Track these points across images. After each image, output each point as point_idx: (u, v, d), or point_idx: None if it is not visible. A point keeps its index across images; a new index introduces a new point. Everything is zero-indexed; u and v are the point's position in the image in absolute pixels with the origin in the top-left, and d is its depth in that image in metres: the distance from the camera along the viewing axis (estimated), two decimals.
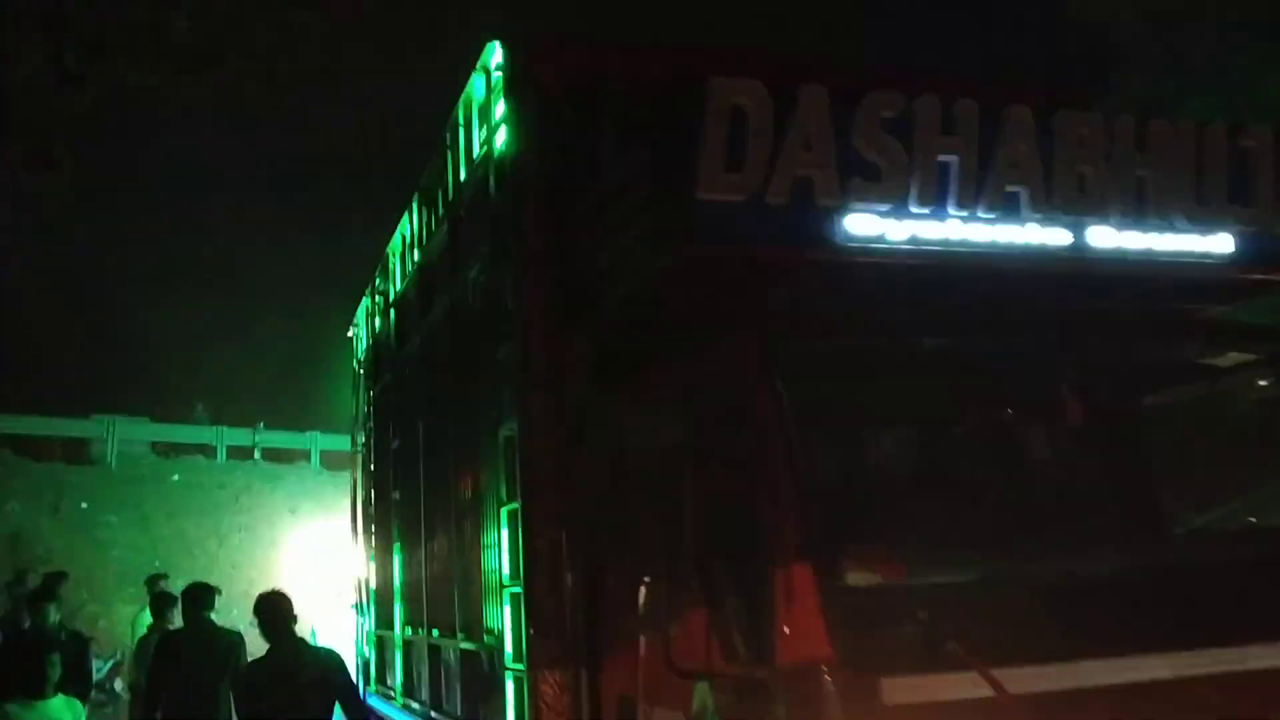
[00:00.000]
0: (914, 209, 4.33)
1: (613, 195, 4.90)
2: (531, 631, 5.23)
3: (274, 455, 25.72)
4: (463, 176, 6.61)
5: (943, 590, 3.52)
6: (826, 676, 3.38)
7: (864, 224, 4.25)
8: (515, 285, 5.53)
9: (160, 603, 10.81)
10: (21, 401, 21.36)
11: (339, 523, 23.71)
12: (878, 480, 3.96)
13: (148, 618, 11.38)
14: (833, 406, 3.99)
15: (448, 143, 6.82)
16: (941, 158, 4.38)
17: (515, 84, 5.63)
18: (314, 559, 22.29)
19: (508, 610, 5.56)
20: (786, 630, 3.48)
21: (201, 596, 9.18)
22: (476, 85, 6.14)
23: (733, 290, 4.20)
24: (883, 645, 3.46)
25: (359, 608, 10.58)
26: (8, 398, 20.83)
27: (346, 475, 26.25)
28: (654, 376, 4.70)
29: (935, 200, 4.35)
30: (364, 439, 10.57)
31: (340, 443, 27.47)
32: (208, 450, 25.10)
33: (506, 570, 5.59)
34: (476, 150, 6.31)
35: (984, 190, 4.40)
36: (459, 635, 6.48)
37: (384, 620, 9.30)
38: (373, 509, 9.86)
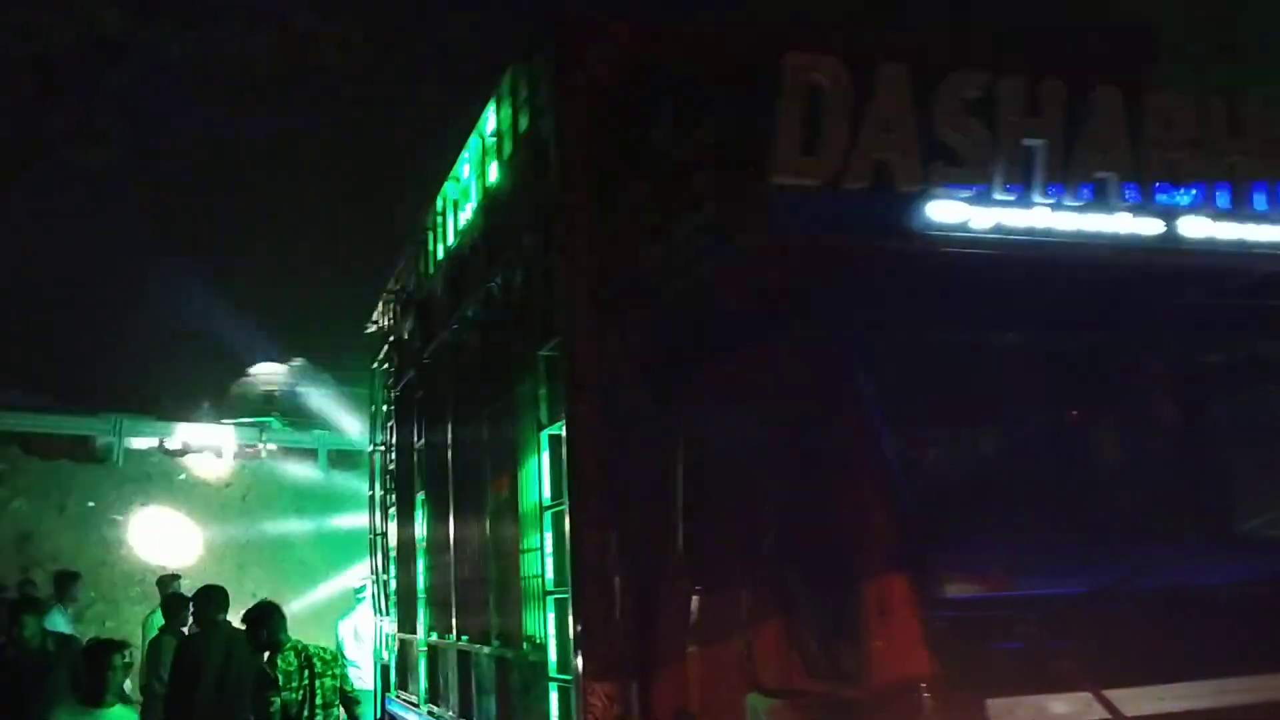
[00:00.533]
0: (998, 195, 4.08)
1: (670, 184, 4.64)
2: (579, 640, 4.96)
3: (281, 454, 25.55)
4: (501, 165, 6.35)
5: (1049, 603, 3.26)
6: (926, 696, 3.13)
7: (947, 210, 4.01)
8: (561, 279, 5.26)
9: (174, 605, 10.60)
10: (29, 399, 21.18)
11: (347, 523, 23.62)
12: (973, 484, 3.70)
13: (159, 619, 11.18)
14: (920, 404, 3.73)
15: (485, 131, 6.57)
16: (1027, 141, 4.13)
17: (561, 66, 5.37)
18: (322, 560, 22.16)
19: (551, 617, 5.31)
20: (881, 646, 3.23)
21: (214, 599, 9.02)
22: (518, 69, 5.89)
23: (810, 280, 3.94)
24: (985, 663, 3.20)
25: (378, 610, 10.32)
26: (15, 396, 20.63)
27: (353, 475, 26.14)
28: (715, 373, 4.45)
29: (1021, 186, 4.10)
30: (383, 439, 10.31)
31: (347, 442, 27.39)
32: (215, 449, 24.89)
33: (550, 575, 5.33)
34: (518, 137, 6.05)
35: (1071, 176, 4.15)
36: (493, 642, 6.22)
37: (406, 624, 9.04)
38: (393, 510, 9.59)
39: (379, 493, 10.51)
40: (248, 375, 30.82)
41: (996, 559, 3.33)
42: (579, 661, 4.97)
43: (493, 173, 6.52)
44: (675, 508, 4.76)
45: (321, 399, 27.69)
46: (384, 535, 10.30)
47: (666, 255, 4.72)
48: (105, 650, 5.92)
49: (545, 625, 5.39)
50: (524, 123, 5.91)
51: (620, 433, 5.07)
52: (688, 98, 4.55)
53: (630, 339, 5.09)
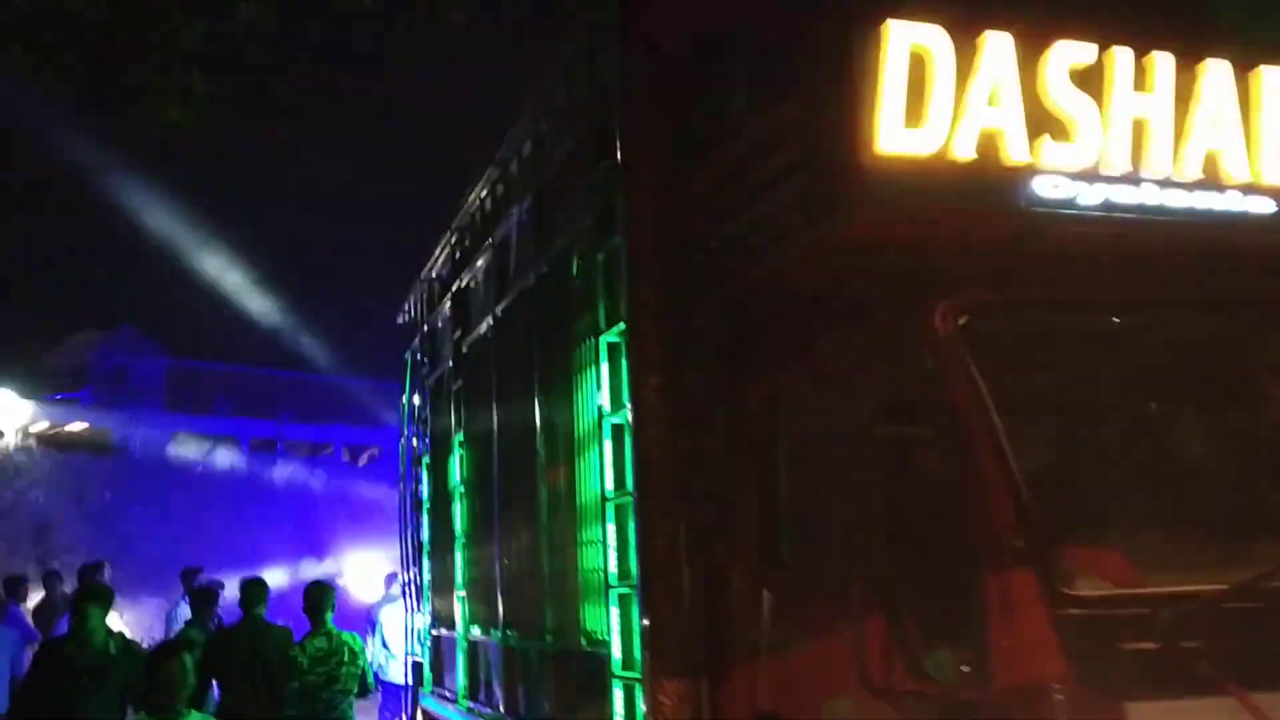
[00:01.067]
0: (1105, 171, 3.88)
1: (749, 159, 4.44)
2: (648, 637, 4.76)
3: (297, 448, 25.45)
4: (555, 142, 6.15)
5: (1183, 601, 3.05)
6: (1059, 698, 2.92)
7: (1054, 186, 3.82)
8: (627, 262, 5.05)
9: (202, 599, 10.44)
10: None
11: (367, 517, 23.49)
12: (1092, 474, 3.49)
13: (184, 612, 11.03)
14: (1034, 389, 3.53)
15: (537, 107, 6.37)
16: (1135, 115, 3.93)
17: (625, 35, 5.16)
18: (344, 553, 22.05)
19: (615, 612, 5.11)
20: (1007, 645, 3.02)
21: (257, 592, 8.96)
22: (576, 40, 5.69)
23: (914, 257, 3.74)
24: (1118, 663, 2.99)
25: (411, 605, 10.14)
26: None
27: (370, 468, 25.98)
28: (803, 357, 4.24)
29: (1130, 162, 3.90)
30: (417, 430, 10.13)
31: (364, 436, 27.21)
32: (231, 442, 24.77)
33: (614, 569, 5.13)
34: (574, 112, 5.86)
35: (1181, 153, 3.95)
36: (546, 638, 6.02)
37: (443, 619, 8.86)
38: (429, 502, 9.40)
39: (411, 485, 10.33)
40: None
41: (1123, 553, 3.12)
42: (648, 659, 4.77)
43: (546, 148, 6.32)
44: (752, 500, 4.56)
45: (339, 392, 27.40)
46: (417, 528, 10.12)
47: (743, 234, 4.52)
48: (174, 651, 5.52)
49: (608, 621, 5.19)
50: (582, 96, 5.71)
51: (689, 421, 4.87)
52: (770, 67, 4.34)
53: (700, 322, 4.89)
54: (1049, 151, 3.81)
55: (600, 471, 5.28)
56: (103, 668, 6.50)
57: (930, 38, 3.74)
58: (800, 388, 4.03)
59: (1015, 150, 3.79)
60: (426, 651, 9.42)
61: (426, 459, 9.61)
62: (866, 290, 3.89)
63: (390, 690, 11.59)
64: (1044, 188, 3.79)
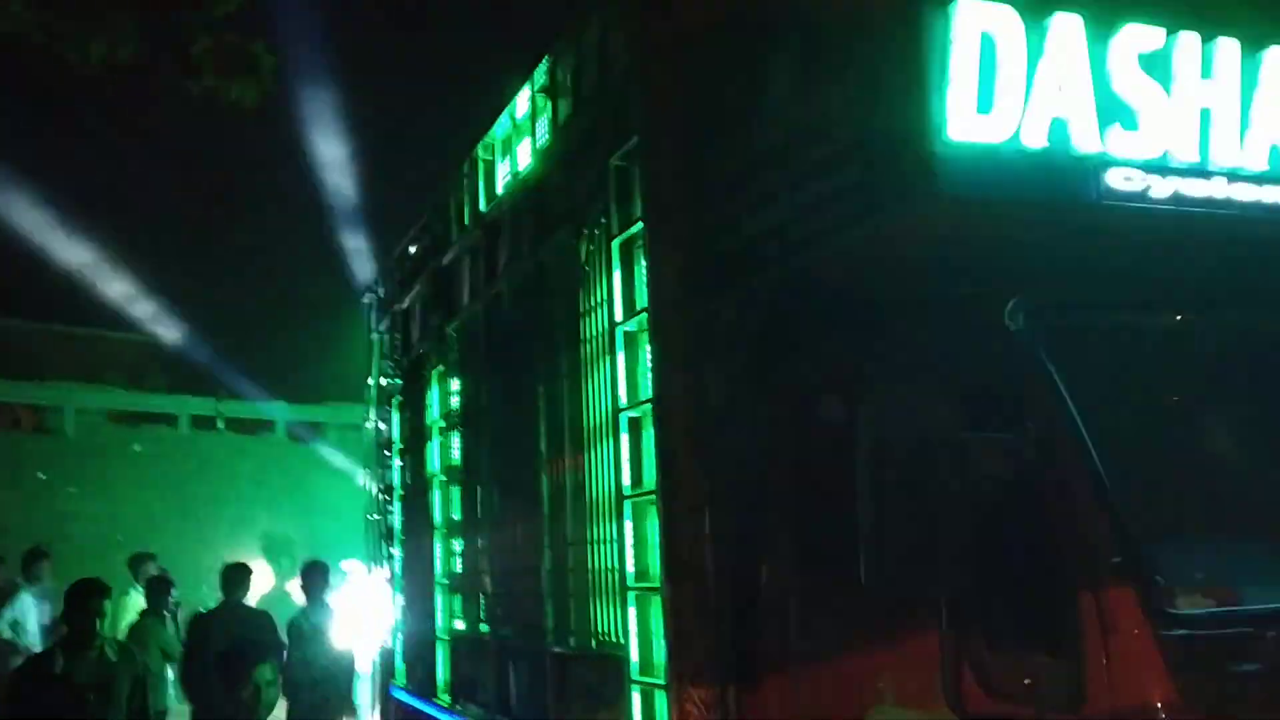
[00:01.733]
0: (1174, 163, 3.73)
1: (789, 143, 4.22)
2: (672, 640, 4.56)
3: (238, 425, 24.80)
4: (560, 122, 5.88)
5: None
6: None
7: (1126, 178, 3.65)
8: (648, 249, 4.82)
9: (157, 588, 10.11)
10: None
11: (309, 499, 23.00)
12: (1185, 485, 3.33)
13: (135, 601, 10.66)
14: (1120, 394, 3.37)
15: (540, 84, 6.08)
16: (1203, 103, 3.77)
17: (646, 7, 4.91)
18: (285, 536, 21.62)
19: (633, 614, 4.90)
20: (1107, 666, 2.86)
21: (237, 577, 8.84)
22: (588, 19, 5.43)
23: (986, 250, 3.55)
24: (1224, 686, 2.85)
25: (379, 593, 9.85)
26: None
27: (313, 448, 25.45)
28: (850, 354, 4.04)
29: (1199, 153, 3.75)
30: (386, 414, 9.81)
31: (307, 413, 26.64)
32: (169, 420, 24.09)
33: (631, 568, 4.92)
34: (582, 87, 5.59)
35: (1249, 144, 3.81)
36: (549, 638, 5.79)
37: (421, 613, 8.58)
38: (402, 489, 9.11)
39: (379, 473, 10.02)
40: None
41: (1225, 568, 2.97)
42: (673, 663, 4.57)
43: (544, 130, 6.05)
44: (780, 498, 4.37)
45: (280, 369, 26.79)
46: (387, 518, 9.83)
47: (781, 224, 4.30)
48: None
49: (623, 622, 4.99)
50: (594, 73, 5.44)
51: (714, 417, 4.66)
52: (815, 48, 4.12)
53: (728, 314, 4.68)
54: (1120, 141, 3.65)
55: (616, 466, 5.06)
56: (107, 681, 5.66)
57: (1000, 18, 3.55)
58: (843, 387, 3.79)
59: (1086, 139, 3.62)
60: (400, 644, 9.15)
61: (399, 444, 9.31)
62: (927, 285, 3.70)
63: None
64: (1117, 180, 3.62)
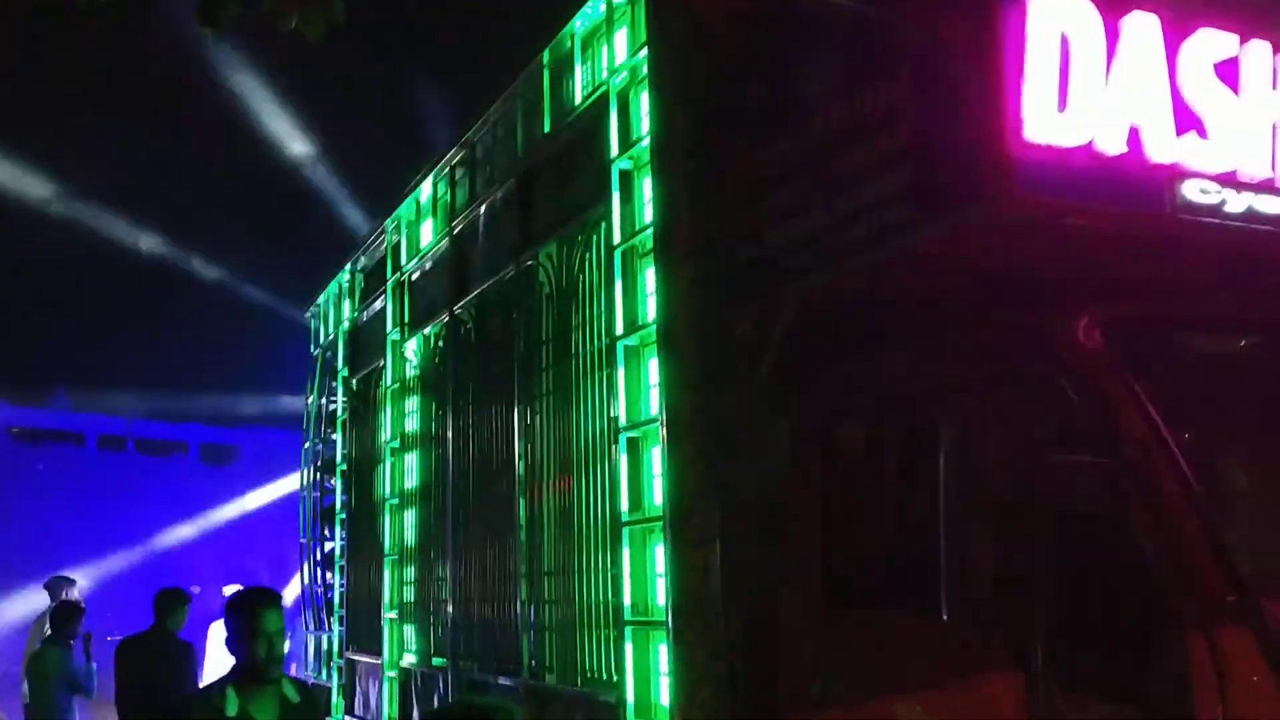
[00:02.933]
0: (1245, 177, 3.52)
1: (826, 145, 3.94)
2: (682, 679, 4.20)
3: (148, 447, 23.84)
4: (548, 127, 5.54)
5: None
6: None
7: (1201, 189, 3.42)
8: (657, 259, 4.50)
9: (64, 614, 9.48)
10: None
11: (224, 520, 22.18)
12: (1268, 506, 3.10)
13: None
14: (1201, 414, 3.12)
15: (520, 89, 5.75)
16: (1273, 117, 3.58)
17: (658, 4, 4.61)
18: (198, 558, 20.80)
19: (629, 649, 4.54)
20: (1225, 714, 2.58)
21: (165, 603, 8.36)
22: (589, 9, 5.12)
23: (1060, 260, 3.29)
24: None
25: (314, 624, 9.32)
26: None
27: (227, 470, 24.59)
28: (899, 370, 3.75)
29: (1271, 167, 3.55)
30: (328, 435, 9.34)
31: (221, 435, 25.76)
32: (75, 439, 23.10)
33: (628, 600, 4.56)
34: (580, 92, 5.27)
35: None
36: (524, 673, 5.38)
37: (362, 642, 8.10)
38: (346, 513, 8.62)
39: (315, 494, 9.53)
40: None
41: None
42: (680, 704, 4.21)
43: (533, 132, 5.71)
44: (810, 532, 4.06)
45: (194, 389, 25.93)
46: (320, 540, 9.33)
47: (815, 231, 4.01)
48: None
49: (618, 659, 4.62)
50: (589, 74, 5.13)
51: (728, 440, 4.34)
52: (857, 45, 3.85)
53: (744, 330, 4.37)
54: (1195, 151, 3.43)
55: (612, 490, 4.71)
56: None
57: (1077, 15, 3.31)
58: (947, 414, 3.47)
59: (1162, 148, 3.39)
60: (336, 675, 8.63)
61: (343, 466, 8.83)
62: (989, 298, 3.43)
63: None
64: (1193, 192, 3.40)
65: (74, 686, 9.06)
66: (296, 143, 17.21)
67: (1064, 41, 3.29)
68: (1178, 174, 3.39)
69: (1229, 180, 3.47)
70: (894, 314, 3.77)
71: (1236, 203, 3.47)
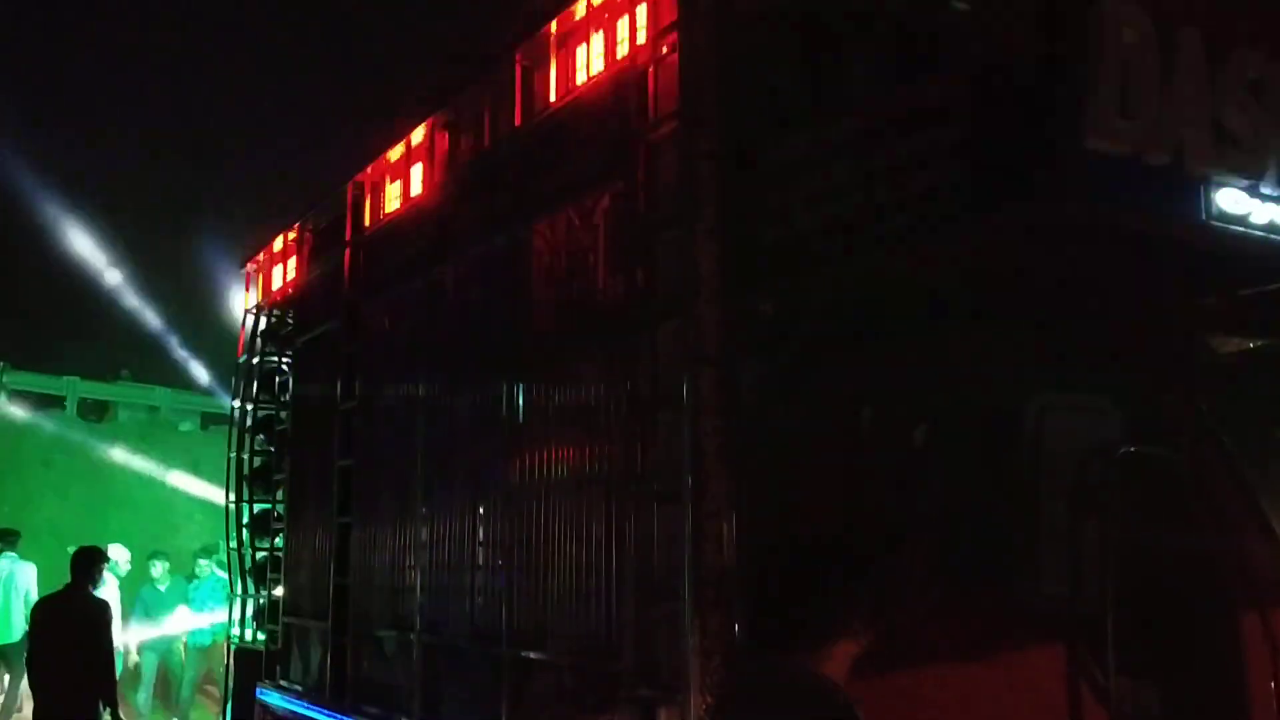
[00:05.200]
0: (1267, 190, 3.76)
1: (871, 132, 4.06)
2: (697, 653, 4.29)
3: (21, 399, 22.88)
4: (553, 95, 5.53)
5: None
6: None
7: (1233, 199, 3.65)
8: (683, 233, 4.56)
9: None
10: None
11: (110, 480, 21.49)
12: None
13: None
14: (1245, 420, 3.33)
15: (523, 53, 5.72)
16: None
17: None
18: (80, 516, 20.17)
19: (632, 619, 4.61)
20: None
21: (79, 562, 8.18)
22: None
23: (1105, 262, 3.47)
24: None
25: (241, 587, 9.14)
26: None
27: (107, 426, 23.79)
28: (936, 357, 3.89)
29: None
30: (261, 395, 9.15)
31: (101, 390, 24.93)
32: None
33: (628, 569, 4.63)
34: (593, 61, 5.27)
35: None
36: (504, 640, 5.41)
37: (302, 607, 7.99)
38: (287, 475, 8.47)
39: (244, 456, 9.33)
40: None
41: None
42: (693, 678, 4.30)
43: (539, 95, 5.68)
44: (832, 516, 4.19)
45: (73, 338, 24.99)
46: (250, 502, 9.15)
47: (851, 217, 4.13)
48: None
49: (619, 629, 4.70)
50: (616, 38, 5.13)
51: (746, 418, 4.44)
52: (908, 35, 3.97)
53: (766, 311, 4.47)
54: (1229, 161, 3.65)
55: (624, 459, 4.75)
56: None
57: (1140, 26, 3.49)
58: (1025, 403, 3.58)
59: (1201, 157, 3.60)
60: (268, 639, 8.50)
61: (284, 427, 8.67)
62: (1036, 293, 3.59)
63: None
64: (1224, 200, 3.62)
65: None
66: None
67: (1126, 50, 3.46)
68: (1211, 185, 3.60)
69: (1255, 192, 3.70)
70: (930, 301, 3.90)
71: (1261, 214, 3.70)
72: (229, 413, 9.86)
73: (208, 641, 14.21)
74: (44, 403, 23.33)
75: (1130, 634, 3.07)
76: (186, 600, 14.77)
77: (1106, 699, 3.05)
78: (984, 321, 3.73)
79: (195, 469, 20.79)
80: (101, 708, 8.04)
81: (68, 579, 8.91)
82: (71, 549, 11.37)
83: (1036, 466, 3.28)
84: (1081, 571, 3.13)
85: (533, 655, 5.25)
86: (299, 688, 7.84)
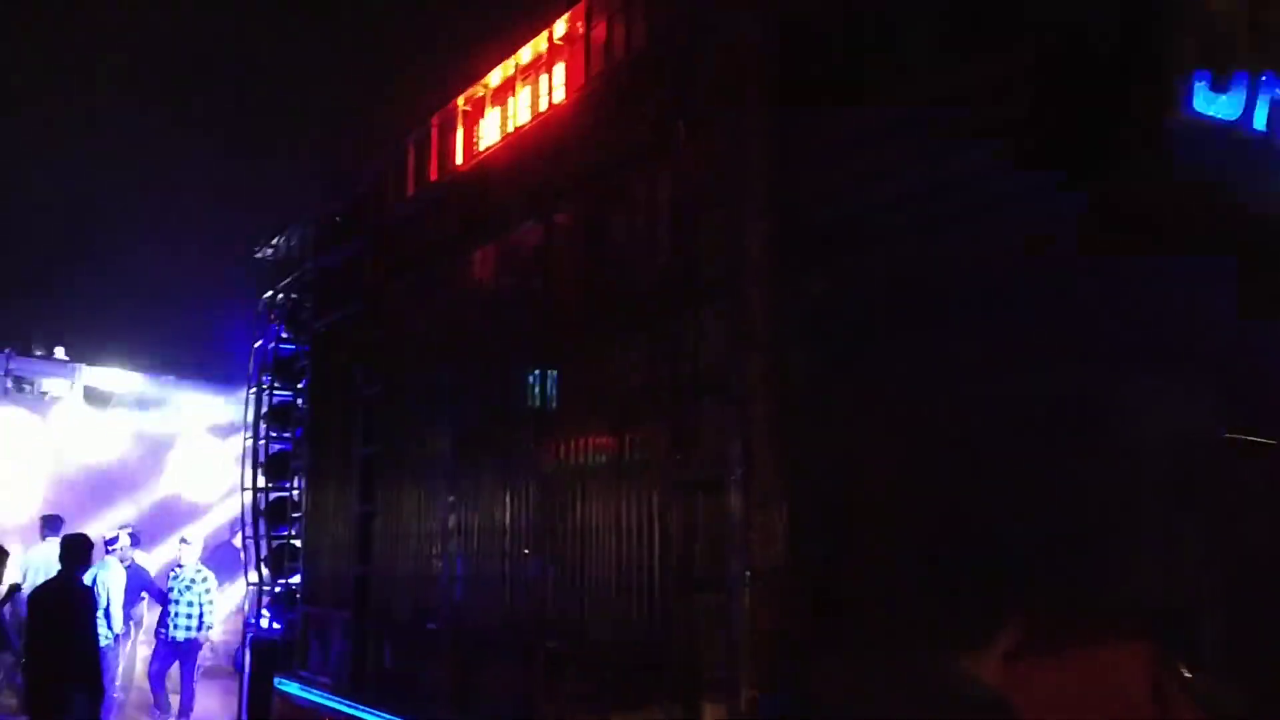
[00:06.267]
0: None
1: (929, 109, 3.88)
2: (744, 645, 4.15)
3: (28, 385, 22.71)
4: (589, 72, 5.37)
5: None
6: None
7: None
8: (732, 214, 4.41)
9: None
10: None
11: (117, 465, 21.33)
12: None
13: None
14: None
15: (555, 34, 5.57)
16: None
17: None
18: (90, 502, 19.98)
19: (680, 611, 4.47)
20: None
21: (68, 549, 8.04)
22: None
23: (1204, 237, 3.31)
24: None
25: (258, 576, 9.00)
26: None
27: (114, 413, 23.65)
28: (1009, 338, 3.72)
29: None
30: (279, 380, 9.00)
31: (107, 377, 24.79)
32: None
33: (673, 561, 4.49)
34: (633, 38, 5.11)
35: None
36: (540, 632, 5.26)
37: (322, 597, 7.85)
38: (308, 462, 8.32)
39: (260, 443, 9.17)
40: None
41: None
42: (743, 669, 4.15)
43: (574, 74, 5.53)
44: (883, 501, 4.03)
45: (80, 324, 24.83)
46: (265, 490, 9.00)
47: (908, 195, 3.96)
48: None
49: (664, 621, 4.55)
50: (655, 16, 4.98)
51: (796, 402, 4.29)
52: (968, 9, 3.80)
53: (816, 292, 4.31)
54: None
55: (668, 447, 4.60)
56: None
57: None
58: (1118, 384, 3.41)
59: None
60: (285, 629, 8.36)
61: (302, 413, 8.52)
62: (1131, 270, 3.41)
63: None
64: None
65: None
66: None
67: (1214, 17, 3.30)
68: None
69: None
70: (997, 280, 3.74)
71: None
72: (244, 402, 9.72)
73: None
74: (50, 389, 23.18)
75: (1228, 631, 2.92)
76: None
77: (1199, 698, 2.90)
78: (1058, 301, 3.57)
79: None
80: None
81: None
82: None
83: (1127, 454, 3.12)
84: (1178, 565, 2.98)
85: (568, 648, 5.11)
86: (320, 678, 7.70)
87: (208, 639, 11.93)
